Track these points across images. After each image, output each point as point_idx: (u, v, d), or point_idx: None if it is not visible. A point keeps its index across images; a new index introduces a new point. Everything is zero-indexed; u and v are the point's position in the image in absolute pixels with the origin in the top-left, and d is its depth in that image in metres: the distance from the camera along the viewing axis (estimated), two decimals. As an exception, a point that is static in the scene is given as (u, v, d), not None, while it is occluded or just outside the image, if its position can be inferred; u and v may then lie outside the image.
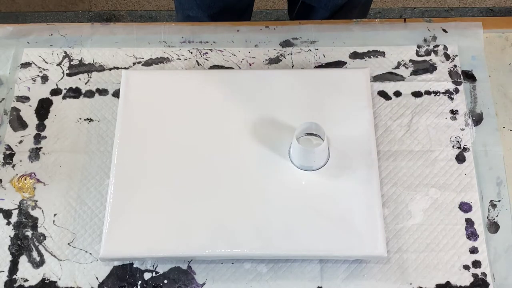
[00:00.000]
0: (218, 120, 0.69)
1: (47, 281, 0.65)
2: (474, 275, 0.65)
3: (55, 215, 0.68)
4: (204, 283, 0.65)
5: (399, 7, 1.61)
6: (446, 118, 0.73)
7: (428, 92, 0.75)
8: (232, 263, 0.66)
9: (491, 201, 0.69)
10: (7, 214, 0.69)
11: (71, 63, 0.78)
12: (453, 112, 0.74)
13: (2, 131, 0.73)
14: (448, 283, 0.65)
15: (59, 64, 0.78)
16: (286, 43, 0.79)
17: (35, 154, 0.72)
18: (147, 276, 0.65)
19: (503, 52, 0.79)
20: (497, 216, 0.68)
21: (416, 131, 0.73)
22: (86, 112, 0.75)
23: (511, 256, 0.66)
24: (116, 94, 0.75)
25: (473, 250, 0.66)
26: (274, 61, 0.78)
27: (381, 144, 0.72)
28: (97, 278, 0.65)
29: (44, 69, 0.78)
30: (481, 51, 0.78)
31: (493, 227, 0.67)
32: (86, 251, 0.67)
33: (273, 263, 0.66)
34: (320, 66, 0.77)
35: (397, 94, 0.75)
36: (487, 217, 0.68)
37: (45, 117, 0.74)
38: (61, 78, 0.77)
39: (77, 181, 0.70)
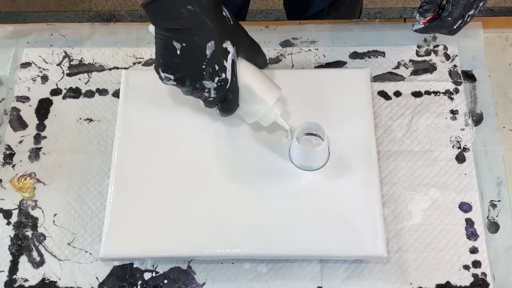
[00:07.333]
0: (218, 120, 0.69)
1: (47, 281, 0.65)
2: (474, 275, 0.65)
3: (55, 215, 0.68)
4: (204, 283, 0.65)
5: (399, 7, 1.61)
6: (446, 118, 0.73)
7: (428, 92, 0.75)
8: (232, 263, 0.66)
9: (491, 201, 0.69)
10: (7, 214, 0.69)
11: (71, 63, 0.78)
12: (453, 112, 0.74)
13: (2, 131, 0.73)
14: (448, 283, 0.64)
15: (59, 64, 0.78)
16: (286, 43, 0.79)
17: (35, 154, 0.72)
18: (147, 276, 0.65)
19: (503, 52, 0.79)
20: (497, 216, 0.68)
21: (416, 131, 0.73)
22: (86, 112, 0.75)
23: (511, 256, 0.66)
24: (116, 94, 0.75)
25: (473, 250, 0.66)
26: (274, 61, 0.78)
27: (381, 144, 0.72)
28: (97, 278, 0.65)
29: (44, 69, 0.78)
30: (481, 51, 0.78)
31: (493, 227, 0.67)
32: (86, 251, 0.67)
33: (273, 263, 0.66)
34: (320, 66, 0.77)
35: (397, 94, 0.75)
36: (487, 217, 0.68)
37: (45, 117, 0.74)
38: (61, 78, 0.77)
39: (77, 181, 0.70)
